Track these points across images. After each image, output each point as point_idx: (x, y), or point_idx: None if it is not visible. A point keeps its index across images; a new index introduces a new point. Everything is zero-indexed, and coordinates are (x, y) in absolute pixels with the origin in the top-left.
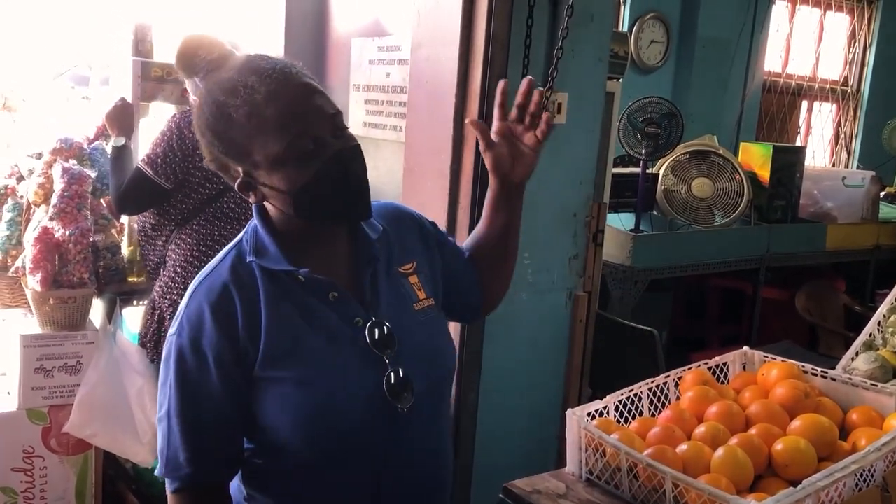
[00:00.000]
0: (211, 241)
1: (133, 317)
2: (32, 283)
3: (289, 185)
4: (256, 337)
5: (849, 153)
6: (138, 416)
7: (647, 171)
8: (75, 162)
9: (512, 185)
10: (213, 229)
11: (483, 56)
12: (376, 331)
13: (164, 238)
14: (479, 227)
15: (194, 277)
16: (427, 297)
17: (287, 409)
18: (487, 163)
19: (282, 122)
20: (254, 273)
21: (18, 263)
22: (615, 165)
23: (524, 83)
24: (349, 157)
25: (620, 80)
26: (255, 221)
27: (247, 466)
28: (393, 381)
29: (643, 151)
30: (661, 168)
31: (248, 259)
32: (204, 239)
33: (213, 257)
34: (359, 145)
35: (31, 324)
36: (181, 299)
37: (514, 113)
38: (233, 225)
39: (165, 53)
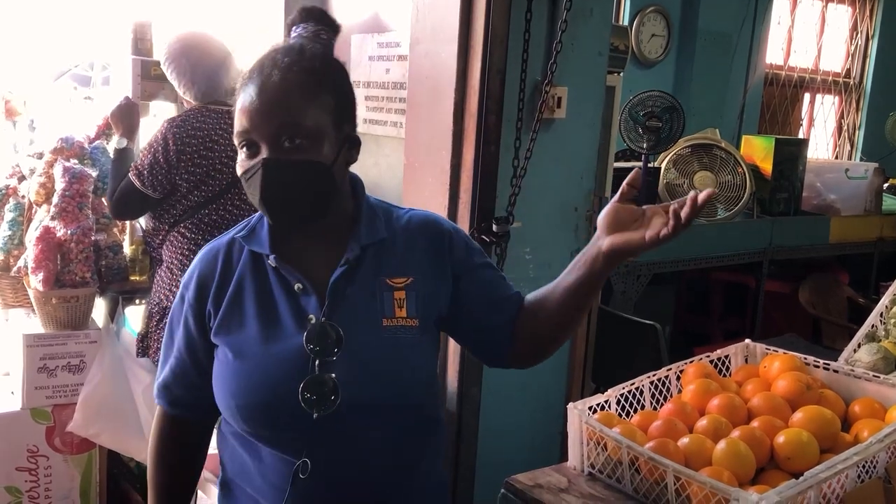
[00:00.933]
0: (195, 246)
1: (136, 315)
2: (35, 282)
3: (239, 170)
4: (219, 305)
5: (852, 145)
6: (143, 413)
7: (649, 164)
8: (76, 161)
9: (605, 250)
10: (198, 236)
11: (482, 51)
12: (328, 331)
13: (160, 238)
14: (556, 280)
15: (181, 280)
16: (408, 318)
17: (222, 376)
18: (607, 212)
19: (239, 112)
20: (244, 249)
21: (21, 263)
22: (617, 159)
23: (690, 199)
24: (269, 169)
25: (621, 74)
26: None
27: (218, 427)
28: (312, 383)
29: (645, 145)
30: (663, 162)
31: (238, 235)
32: (189, 244)
33: None
34: (297, 162)
35: (34, 323)
36: (167, 300)
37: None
38: (220, 232)
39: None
